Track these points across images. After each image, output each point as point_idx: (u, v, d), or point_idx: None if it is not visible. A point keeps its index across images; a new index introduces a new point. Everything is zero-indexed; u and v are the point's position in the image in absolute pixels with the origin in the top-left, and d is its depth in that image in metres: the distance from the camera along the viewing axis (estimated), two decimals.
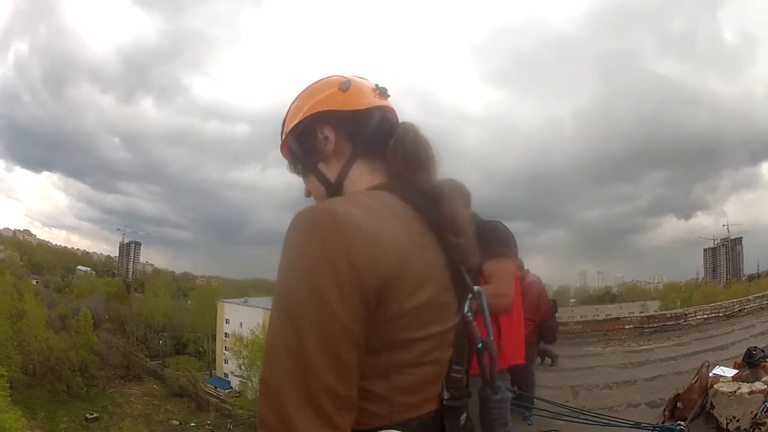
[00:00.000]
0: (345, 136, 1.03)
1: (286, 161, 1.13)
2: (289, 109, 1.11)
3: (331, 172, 1.04)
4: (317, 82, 1.09)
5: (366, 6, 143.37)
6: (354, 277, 0.78)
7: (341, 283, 0.78)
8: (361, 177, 1.01)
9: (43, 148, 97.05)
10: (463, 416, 0.97)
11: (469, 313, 0.97)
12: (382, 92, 1.08)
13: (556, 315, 2.48)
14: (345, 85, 1.04)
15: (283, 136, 1.10)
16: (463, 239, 0.96)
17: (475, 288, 0.99)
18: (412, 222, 0.91)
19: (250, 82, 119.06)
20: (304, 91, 1.09)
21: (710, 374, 4.09)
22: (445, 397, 0.92)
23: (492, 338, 1.00)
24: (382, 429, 0.85)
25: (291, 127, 1.07)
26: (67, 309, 44.21)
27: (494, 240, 2.13)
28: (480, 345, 0.97)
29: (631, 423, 3.84)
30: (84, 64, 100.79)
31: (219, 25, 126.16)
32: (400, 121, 1.07)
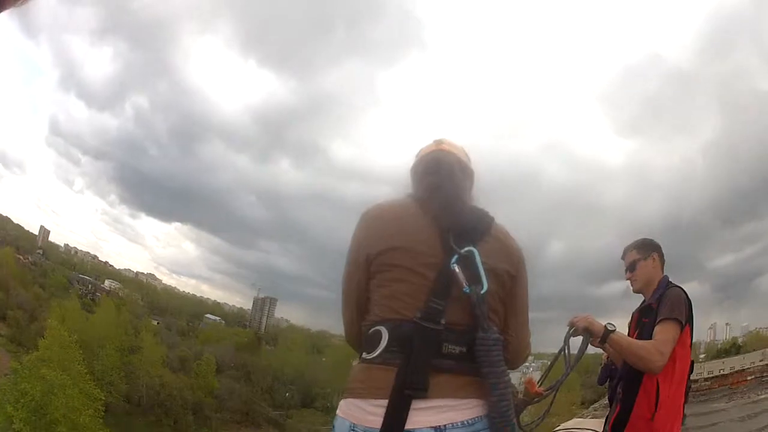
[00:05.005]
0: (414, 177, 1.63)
1: None
2: None
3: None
4: None
5: (493, 66, 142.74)
6: (360, 245, 1.49)
7: (355, 248, 1.51)
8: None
9: (172, 200, 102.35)
10: (446, 345, 1.34)
11: (455, 265, 1.35)
12: (437, 142, 1.64)
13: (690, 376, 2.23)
14: (419, 151, 1.67)
15: None
16: (447, 212, 1.45)
17: (464, 249, 1.37)
18: (412, 209, 1.47)
19: (389, 142, 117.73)
20: None
21: None
22: (417, 316, 1.34)
23: (481, 288, 1.35)
24: (375, 325, 1.41)
25: None
26: (189, 352, 45.09)
27: (663, 304, 2.33)
28: (467, 289, 1.34)
29: None
30: (214, 123, 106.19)
31: (354, 85, 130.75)
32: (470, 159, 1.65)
